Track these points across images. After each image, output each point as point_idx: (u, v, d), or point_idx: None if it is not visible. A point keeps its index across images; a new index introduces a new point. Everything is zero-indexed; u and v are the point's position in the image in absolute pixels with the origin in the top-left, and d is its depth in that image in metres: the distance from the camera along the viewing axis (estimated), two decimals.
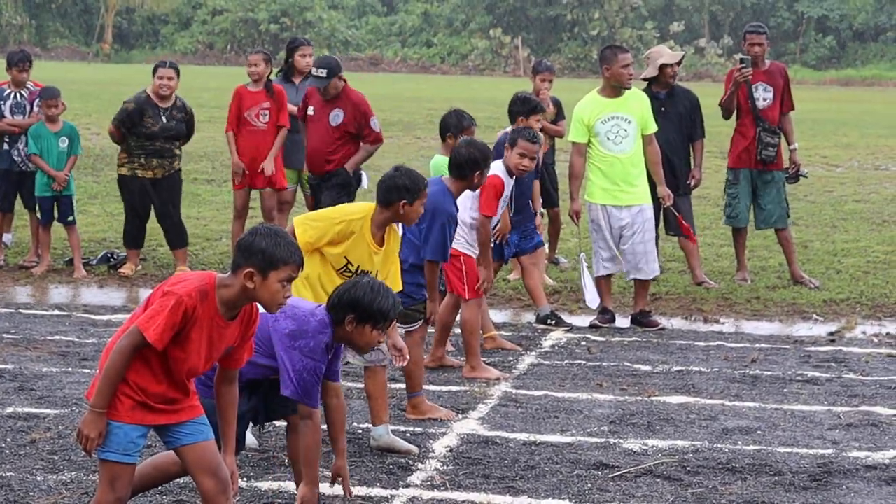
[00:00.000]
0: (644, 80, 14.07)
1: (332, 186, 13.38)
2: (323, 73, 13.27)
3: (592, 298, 12.20)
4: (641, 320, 12.27)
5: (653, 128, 12.26)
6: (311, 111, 13.51)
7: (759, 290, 13.83)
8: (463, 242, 10.03)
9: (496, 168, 10.33)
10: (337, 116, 13.35)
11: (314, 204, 13.43)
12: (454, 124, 10.86)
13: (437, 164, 10.94)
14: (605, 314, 12.28)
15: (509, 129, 12.26)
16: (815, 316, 12.86)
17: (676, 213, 13.24)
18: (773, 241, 15.28)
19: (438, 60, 71.87)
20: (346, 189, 13.39)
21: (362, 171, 13.67)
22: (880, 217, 19.37)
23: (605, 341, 11.56)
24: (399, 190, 8.06)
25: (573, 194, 12.34)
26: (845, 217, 19.32)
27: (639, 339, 11.67)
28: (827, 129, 34.18)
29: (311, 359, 6.55)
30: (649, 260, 12.19)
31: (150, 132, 13.77)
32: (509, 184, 10.55)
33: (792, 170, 14.47)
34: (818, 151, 28.15)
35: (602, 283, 12.33)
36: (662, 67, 13.72)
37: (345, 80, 13.52)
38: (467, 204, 9.98)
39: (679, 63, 13.95)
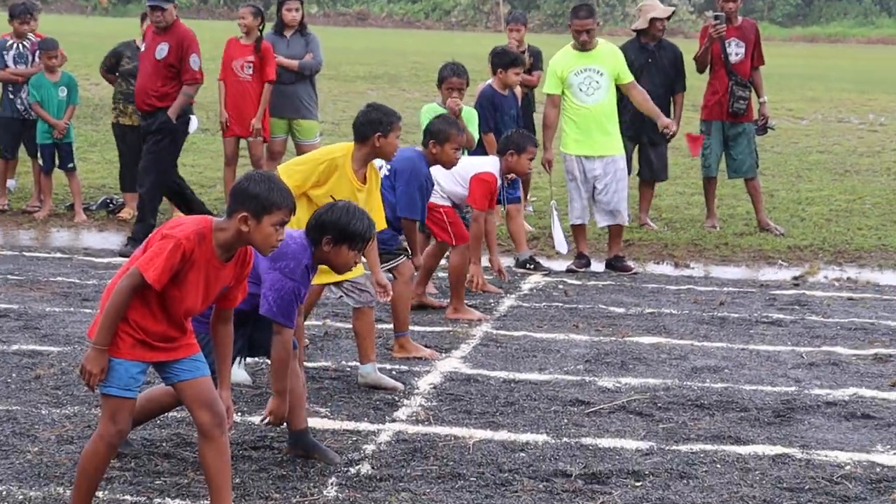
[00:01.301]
0: (634, 31, 14.13)
1: (153, 132, 12.70)
2: None
3: (561, 243, 12.21)
4: (615, 265, 12.24)
5: (628, 78, 12.22)
6: (142, 47, 12.91)
7: (728, 237, 13.87)
8: (437, 195, 9.95)
9: (491, 166, 10.31)
10: (162, 50, 12.60)
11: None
12: (445, 77, 11.01)
13: (427, 111, 10.99)
14: (581, 259, 12.27)
15: (490, 81, 12.26)
16: (779, 261, 12.90)
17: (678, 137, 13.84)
18: (742, 189, 15.30)
19: (422, 16, 71.53)
20: (170, 135, 12.76)
21: (191, 115, 13.04)
22: (842, 167, 19.40)
23: (580, 285, 11.59)
24: (373, 124, 8.11)
25: (546, 144, 12.34)
26: (809, 167, 19.35)
27: (613, 283, 11.70)
28: (793, 83, 34.15)
29: (290, 279, 6.58)
30: (622, 207, 12.14)
31: (126, 69, 13.82)
32: (500, 182, 10.54)
33: (761, 122, 14.49)
34: (784, 105, 28.14)
35: (577, 229, 12.33)
36: (652, 21, 13.74)
37: (176, 16, 12.88)
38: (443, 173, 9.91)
39: (669, 18, 13.95)
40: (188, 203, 13.05)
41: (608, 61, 12.07)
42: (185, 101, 12.76)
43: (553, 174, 12.78)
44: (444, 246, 10.36)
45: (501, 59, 12.14)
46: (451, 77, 11.08)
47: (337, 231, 6.69)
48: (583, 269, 12.17)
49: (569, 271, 12.16)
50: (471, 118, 11.19)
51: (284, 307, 6.58)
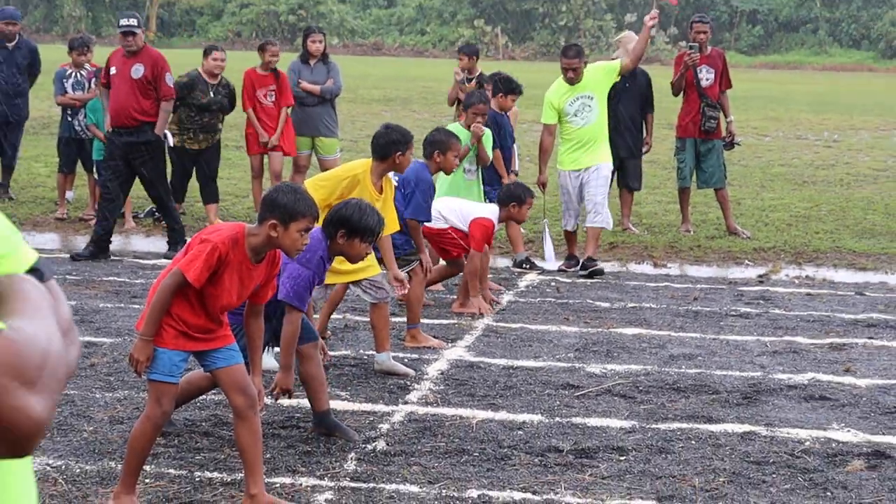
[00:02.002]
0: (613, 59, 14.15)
1: (142, 145, 12.20)
2: (134, 22, 12.37)
3: (550, 259, 12.13)
4: (587, 265, 11.88)
5: (616, 70, 12.00)
6: (113, 70, 12.48)
7: (700, 240, 13.83)
8: (440, 221, 9.98)
9: (491, 213, 10.22)
10: (138, 70, 12.24)
11: (126, 167, 12.34)
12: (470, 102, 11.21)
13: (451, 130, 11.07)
14: (571, 260, 12.15)
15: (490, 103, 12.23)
16: (746, 261, 12.87)
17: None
18: (712, 198, 15.25)
19: (431, 46, 71.48)
20: (158, 148, 12.40)
21: (166, 132, 12.77)
22: (801, 178, 19.36)
23: (570, 282, 11.56)
24: (394, 144, 8.14)
25: (541, 167, 12.32)
26: (772, 178, 19.30)
27: (599, 281, 11.67)
28: (757, 104, 34.08)
29: (306, 268, 6.60)
30: (599, 210, 11.88)
31: (200, 104, 13.70)
32: (496, 228, 10.59)
33: (728, 138, 14.47)
34: (750, 124, 28.06)
35: (568, 235, 12.27)
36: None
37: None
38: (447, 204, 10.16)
39: None
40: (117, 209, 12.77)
41: (595, 85, 11.91)
42: (166, 119, 12.51)
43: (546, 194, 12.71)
44: (455, 264, 10.31)
45: (502, 86, 12.20)
46: (479, 104, 11.11)
47: (350, 226, 6.72)
48: (572, 270, 12.02)
49: (560, 271, 12.06)
50: (486, 139, 11.25)
51: (299, 293, 6.59)
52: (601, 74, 11.91)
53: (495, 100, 12.18)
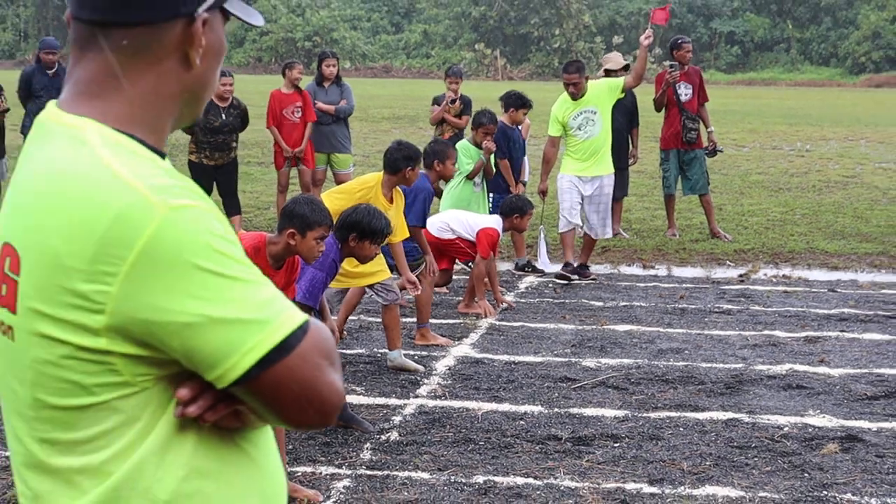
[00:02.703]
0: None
1: None
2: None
3: (545, 263, 11.87)
4: (580, 271, 11.61)
5: (619, 87, 11.46)
6: None
7: (685, 243, 13.80)
8: (446, 233, 9.99)
9: (495, 223, 10.12)
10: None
11: None
12: (480, 122, 11.29)
13: (461, 146, 11.11)
14: (567, 266, 11.58)
15: (501, 118, 12.18)
16: (728, 262, 12.83)
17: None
18: (696, 204, 15.23)
19: (435, 68, 71.44)
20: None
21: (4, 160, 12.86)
22: (777, 186, 19.32)
23: (567, 283, 11.52)
24: (406, 160, 8.15)
25: (543, 177, 11.88)
26: (750, 186, 19.26)
27: (593, 282, 11.63)
28: (735, 118, 34.06)
29: (320, 271, 6.59)
30: (604, 223, 11.66)
31: (212, 126, 13.68)
32: (500, 236, 10.36)
33: (710, 147, 14.45)
34: (729, 136, 28.02)
35: (566, 237, 11.68)
36: (607, 72, 13.66)
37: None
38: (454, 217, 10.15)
39: (624, 68, 13.85)
40: None
41: (599, 100, 11.45)
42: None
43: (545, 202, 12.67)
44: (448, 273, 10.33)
45: (514, 101, 12.17)
46: (489, 124, 11.18)
47: (360, 229, 6.75)
48: (570, 275, 11.50)
49: (558, 277, 11.53)
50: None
51: (313, 294, 6.60)
52: (605, 90, 11.48)
53: (507, 115, 12.17)
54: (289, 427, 1.80)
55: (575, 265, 11.61)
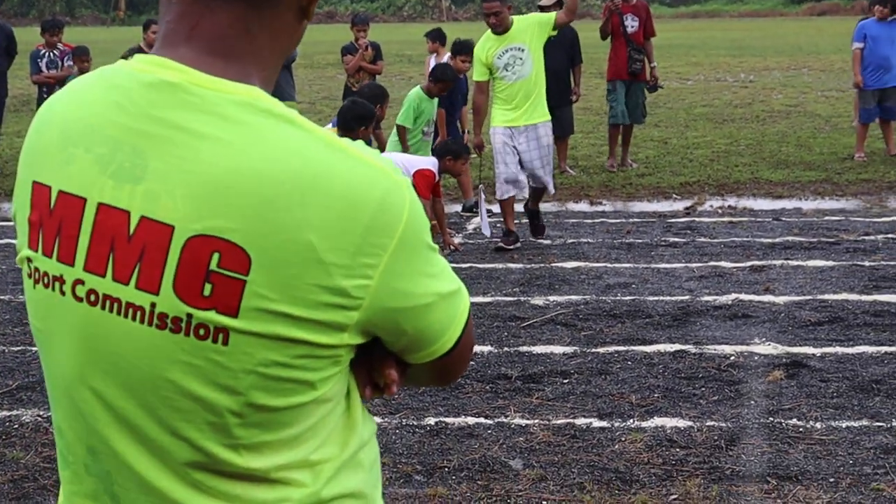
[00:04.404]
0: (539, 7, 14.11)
1: None
2: None
3: (486, 227, 10.50)
4: (531, 219, 10.64)
5: (551, 23, 10.12)
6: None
7: (632, 178, 13.84)
8: None
9: (431, 164, 10.02)
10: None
11: None
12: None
13: (416, 95, 11.11)
14: (510, 236, 10.28)
15: (445, 58, 12.19)
16: (674, 195, 12.89)
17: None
18: (643, 139, 15.27)
19: (380, 12, 71.03)
20: None
21: None
22: (721, 118, 19.40)
23: (516, 223, 11.51)
24: (360, 118, 8.15)
25: (476, 129, 10.48)
26: (695, 119, 19.33)
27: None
28: (680, 51, 34.10)
29: None
30: (546, 175, 10.33)
31: None
32: (437, 177, 10.19)
33: (651, 82, 14.50)
34: (673, 69, 28.08)
35: (504, 205, 10.34)
36: (541, 8, 13.63)
37: None
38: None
39: (557, 4, 13.74)
40: None
41: (526, 35, 10.07)
42: None
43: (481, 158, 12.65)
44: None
45: (458, 48, 12.16)
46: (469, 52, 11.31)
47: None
48: (512, 247, 10.19)
49: (498, 250, 10.19)
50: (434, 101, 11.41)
51: None
52: (534, 25, 10.13)
53: (454, 61, 12.12)
54: (439, 386, 1.81)
55: (516, 232, 10.41)
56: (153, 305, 1.58)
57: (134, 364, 1.61)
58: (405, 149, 11.00)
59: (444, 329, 1.69)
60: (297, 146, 1.57)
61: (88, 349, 1.65)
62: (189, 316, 1.56)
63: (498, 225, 10.80)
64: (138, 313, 1.59)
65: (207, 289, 1.55)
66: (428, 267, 1.65)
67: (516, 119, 10.15)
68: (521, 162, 10.19)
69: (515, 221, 10.49)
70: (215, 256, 1.54)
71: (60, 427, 1.74)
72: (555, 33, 10.26)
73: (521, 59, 10.07)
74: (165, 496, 1.66)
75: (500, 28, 10.01)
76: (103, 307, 1.62)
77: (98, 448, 1.67)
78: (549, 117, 10.31)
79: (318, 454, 1.67)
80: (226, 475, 1.64)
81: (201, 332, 1.57)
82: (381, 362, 1.72)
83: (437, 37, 14.38)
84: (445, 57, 12.74)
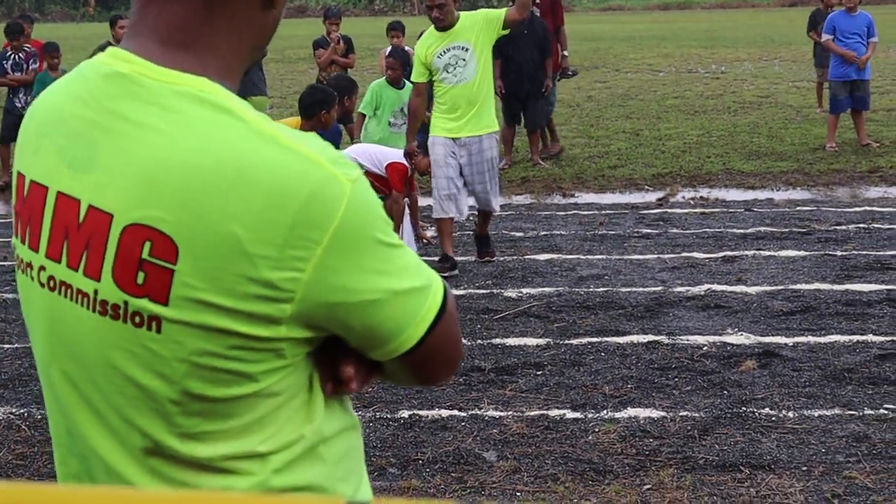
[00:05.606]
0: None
1: None
2: None
3: (410, 243, 9.69)
4: (479, 246, 9.59)
5: (500, 19, 8.88)
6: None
7: (604, 170, 13.87)
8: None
9: (400, 157, 9.67)
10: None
11: None
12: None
13: (373, 84, 11.08)
14: (446, 262, 9.05)
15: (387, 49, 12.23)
16: (646, 186, 12.92)
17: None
18: (615, 131, 15.27)
19: (352, 6, 70.92)
20: None
21: None
22: (693, 109, 19.45)
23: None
24: (319, 103, 8.12)
25: (409, 135, 9.39)
26: (667, 110, 19.37)
27: (513, 213, 11.66)
28: (651, 43, 34.19)
29: None
30: (491, 192, 9.22)
31: None
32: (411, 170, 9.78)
33: (561, 70, 14.66)
34: (645, 61, 28.15)
35: (442, 225, 9.19)
36: None
37: None
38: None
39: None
40: None
41: (472, 33, 8.87)
42: None
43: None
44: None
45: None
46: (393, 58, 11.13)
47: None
48: (447, 274, 8.89)
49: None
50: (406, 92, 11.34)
51: None
52: (480, 22, 8.89)
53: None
54: (423, 386, 1.77)
55: (453, 257, 9.23)
56: (96, 292, 1.62)
57: (87, 349, 1.65)
58: (353, 137, 11.02)
59: (403, 327, 1.67)
60: (228, 137, 1.57)
61: (53, 333, 1.69)
62: (126, 303, 1.60)
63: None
64: (85, 299, 1.63)
65: (140, 277, 1.58)
66: (377, 263, 1.62)
67: (458, 129, 9.02)
68: (460, 172, 9.14)
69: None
70: (147, 245, 1.57)
71: (48, 409, 1.79)
72: (505, 32, 9.03)
73: (463, 59, 8.88)
74: (127, 481, 1.68)
75: (444, 23, 8.85)
76: (60, 293, 1.66)
77: (73, 430, 1.72)
78: (496, 127, 9.17)
79: (266, 446, 1.67)
80: (176, 462, 1.66)
81: (136, 319, 1.59)
82: (341, 358, 1.72)
83: (396, 27, 14.49)
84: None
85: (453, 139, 9.02)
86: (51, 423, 1.79)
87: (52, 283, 1.67)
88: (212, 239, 1.54)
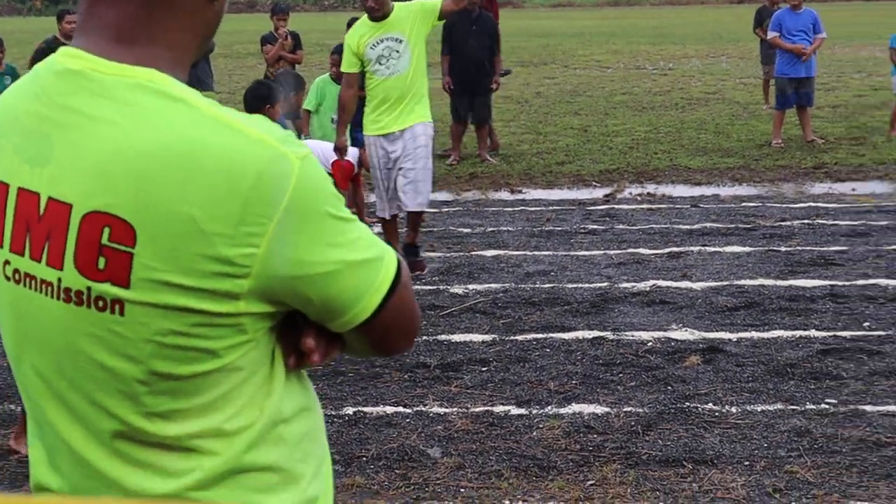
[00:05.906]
0: None
1: None
2: None
3: None
4: (407, 254, 8.97)
5: (434, 5, 8.54)
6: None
7: (552, 166, 13.89)
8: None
9: (351, 156, 9.71)
10: None
11: None
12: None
13: (317, 80, 11.00)
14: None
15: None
16: (593, 182, 12.95)
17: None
18: (563, 127, 15.30)
19: (301, 1, 70.72)
20: None
21: None
22: (641, 105, 19.53)
23: (436, 211, 11.52)
24: (264, 98, 8.06)
25: (339, 128, 9.20)
26: (615, 106, 19.44)
27: (461, 209, 11.65)
28: (600, 40, 34.31)
29: None
30: (420, 190, 8.76)
31: None
32: (356, 168, 9.90)
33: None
34: (594, 57, 28.24)
35: (388, 226, 9.11)
36: None
37: None
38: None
39: None
40: None
41: (406, 24, 8.55)
42: None
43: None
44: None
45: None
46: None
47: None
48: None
49: None
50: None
51: None
52: (416, 13, 8.57)
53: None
54: (383, 356, 1.83)
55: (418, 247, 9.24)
56: (59, 280, 1.68)
57: (53, 337, 1.71)
58: (300, 133, 10.95)
59: (359, 297, 1.74)
60: (179, 123, 1.63)
61: (20, 326, 1.76)
62: (88, 289, 1.66)
63: None
64: (49, 288, 1.69)
65: (101, 262, 1.64)
66: (329, 236, 1.69)
67: (389, 125, 8.69)
68: (394, 175, 8.82)
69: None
70: (106, 231, 1.63)
71: (23, 401, 1.85)
72: (439, 23, 8.78)
73: (397, 51, 8.56)
74: (91, 466, 1.75)
75: (379, 13, 8.53)
76: (25, 285, 1.72)
77: (41, 420, 1.79)
78: (428, 118, 8.76)
79: (232, 423, 1.73)
80: (143, 444, 1.72)
81: (100, 303, 1.66)
82: (303, 331, 1.78)
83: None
84: None
85: (385, 136, 8.72)
86: (28, 415, 1.84)
87: (17, 276, 1.73)
88: (168, 221, 1.60)
